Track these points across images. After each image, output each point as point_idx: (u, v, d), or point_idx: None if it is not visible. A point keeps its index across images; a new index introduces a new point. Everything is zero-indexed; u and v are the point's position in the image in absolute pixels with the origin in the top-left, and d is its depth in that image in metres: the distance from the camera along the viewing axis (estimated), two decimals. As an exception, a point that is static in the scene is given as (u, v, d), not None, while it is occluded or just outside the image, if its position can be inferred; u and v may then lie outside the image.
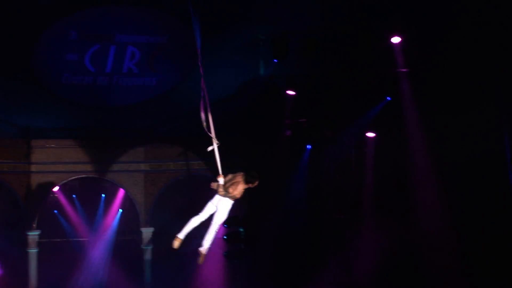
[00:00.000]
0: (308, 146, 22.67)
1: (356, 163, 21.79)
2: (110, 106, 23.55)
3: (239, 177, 13.92)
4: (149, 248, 27.56)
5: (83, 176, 27.08)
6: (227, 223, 24.38)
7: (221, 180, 13.74)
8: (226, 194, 13.76)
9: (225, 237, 24.83)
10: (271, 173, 22.94)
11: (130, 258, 27.87)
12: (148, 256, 27.56)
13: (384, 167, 20.57)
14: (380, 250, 20.41)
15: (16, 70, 21.72)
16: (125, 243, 28.24)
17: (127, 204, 28.00)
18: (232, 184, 13.82)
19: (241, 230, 24.86)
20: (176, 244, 14.17)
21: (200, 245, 14.10)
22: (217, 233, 23.08)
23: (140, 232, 27.54)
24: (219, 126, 23.28)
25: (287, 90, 20.75)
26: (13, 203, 26.53)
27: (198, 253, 14.19)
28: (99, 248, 28.06)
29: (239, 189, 13.78)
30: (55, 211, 28.14)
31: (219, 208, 13.96)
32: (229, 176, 13.96)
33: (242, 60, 22.01)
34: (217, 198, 13.96)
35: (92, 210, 28.39)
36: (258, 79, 22.27)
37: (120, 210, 28.31)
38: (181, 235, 14.19)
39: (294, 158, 22.75)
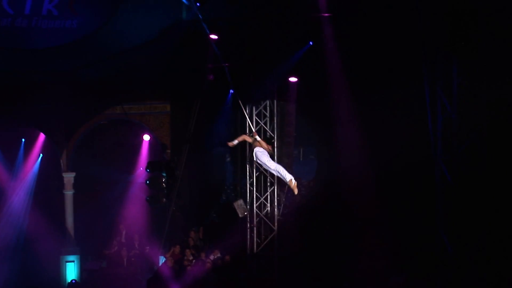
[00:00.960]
0: (231, 91, 22.70)
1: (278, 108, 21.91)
2: (30, 48, 23.09)
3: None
4: (71, 193, 27.36)
5: (2, 119, 26.66)
6: (149, 168, 24.43)
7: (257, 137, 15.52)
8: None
9: (147, 182, 24.83)
10: (196, 118, 22.99)
11: (52, 204, 27.69)
12: (69, 201, 27.38)
13: (305, 111, 20.75)
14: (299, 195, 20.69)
15: None
16: (46, 189, 27.97)
17: (48, 149, 27.67)
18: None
19: (164, 174, 24.87)
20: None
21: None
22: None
23: (62, 177, 27.31)
24: (140, 71, 23.29)
25: (210, 34, 20.65)
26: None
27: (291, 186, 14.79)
28: (19, 194, 27.75)
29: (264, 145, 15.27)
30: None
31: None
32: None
33: (164, 3, 21.80)
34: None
35: (12, 155, 28.01)
36: (180, 23, 22.09)
37: (41, 155, 27.96)
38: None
39: (217, 103, 22.77)
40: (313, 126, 20.83)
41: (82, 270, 27.05)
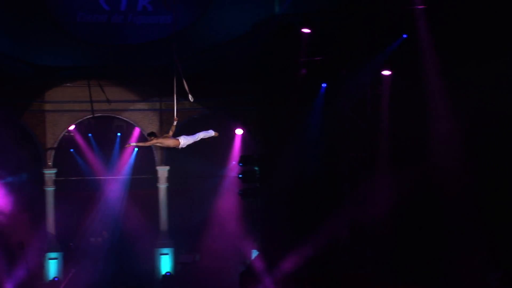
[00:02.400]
0: (324, 85, 22.58)
1: (371, 102, 21.69)
2: (125, 44, 23.48)
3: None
4: (165, 186, 27.70)
5: (99, 115, 27.14)
6: (242, 161, 24.53)
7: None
8: None
9: (240, 175, 24.95)
10: (287, 112, 22.94)
11: (146, 196, 28.07)
12: (163, 194, 27.72)
13: (400, 105, 20.48)
14: (395, 188, 20.45)
15: (32, 9, 21.64)
16: (141, 182, 28.37)
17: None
18: None
19: (256, 169, 24.95)
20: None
21: None
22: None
23: (156, 171, 27.65)
24: (234, 65, 23.40)
25: (303, 28, 20.59)
26: (30, 142, 26.65)
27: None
28: (115, 186, 28.23)
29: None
30: (71, 150, 28.25)
31: None
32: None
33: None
34: None
35: (108, 149, 28.51)
36: (273, 17, 22.11)
37: (136, 149, 28.39)
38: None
39: (310, 97, 22.68)
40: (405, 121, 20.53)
41: (176, 263, 27.33)
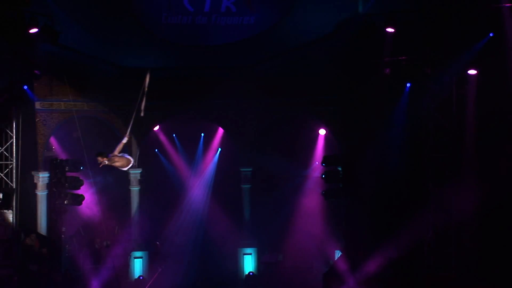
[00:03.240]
0: (408, 84, 22.40)
1: (457, 101, 21.42)
2: (209, 45, 23.68)
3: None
4: (248, 186, 27.84)
5: (182, 115, 27.41)
6: (325, 162, 24.51)
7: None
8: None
9: (323, 176, 24.91)
10: (371, 112, 22.84)
11: (229, 196, 28.24)
12: (246, 194, 27.85)
13: (486, 105, 20.18)
14: (481, 190, 20.16)
15: (117, 10, 21.98)
16: (224, 182, 28.56)
17: (227, 143, 28.23)
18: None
19: (339, 169, 24.89)
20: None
21: None
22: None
23: (239, 171, 27.81)
24: (316, 64, 23.41)
25: (386, 27, 20.44)
26: (115, 142, 27.06)
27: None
28: (199, 186, 28.49)
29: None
30: (156, 150, 28.62)
31: None
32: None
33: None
34: None
35: (192, 149, 28.78)
36: (357, 16, 22.02)
37: (219, 149, 28.61)
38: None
39: (394, 97, 22.53)
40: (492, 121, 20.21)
41: (260, 262, 27.43)
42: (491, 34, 19.69)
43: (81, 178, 24.65)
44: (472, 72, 20.63)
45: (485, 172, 20.18)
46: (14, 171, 22.92)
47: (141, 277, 26.48)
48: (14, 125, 22.92)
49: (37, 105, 25.10)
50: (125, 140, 14.84)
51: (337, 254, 24.83)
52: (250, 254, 27.48)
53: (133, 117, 15.26)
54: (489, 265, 19.56)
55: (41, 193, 25.24)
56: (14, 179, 22.89)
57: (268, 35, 23.13)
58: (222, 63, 25.58)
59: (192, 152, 28.91)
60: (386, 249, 22.28)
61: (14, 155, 22.89)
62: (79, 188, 24.56)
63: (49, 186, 25.02)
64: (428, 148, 22.25)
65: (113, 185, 27.44)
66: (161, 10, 21.99)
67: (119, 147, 14.92)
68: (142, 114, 14.95)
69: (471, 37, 20.03)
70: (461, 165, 21.26)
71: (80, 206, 25.15)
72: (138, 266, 26.95)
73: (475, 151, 20.67)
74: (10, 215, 22.65)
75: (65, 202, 24.37)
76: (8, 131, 22.91)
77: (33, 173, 25.04)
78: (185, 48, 24.01)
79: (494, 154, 19.81)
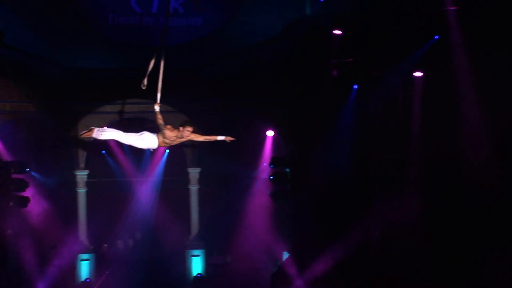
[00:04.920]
0: (355, 86, 22.55)
1: (403, 103, 21.64)
2: (156, 46, 23.57)
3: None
4: (196, 188, 27.80)
5: (130, 116, 27.26)
6: (273, 163, 24.55)
7: (157, 107, 13.37)
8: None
9: (271, 177, 24.95)
10: (318, 114, 22.93)
11: (177, 198, 28.15)
12: (194, 196, 27.80)
13: (431, 107, 20.41)
14: (427, 190, 20.39)
15: (64, 10, 21.80)
16: (172, 183, 28.46)
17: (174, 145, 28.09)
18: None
19: (287, 170, 24.95)
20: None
21: None
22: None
23: (187, 173, 27.75)
24: (265, 66, 23.41)
25: (334, 29, 20.57)
26: (61, 144, 26.83)
27: None
28: (146, 188, 28.35)
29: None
30: (103, 152, 28.41)
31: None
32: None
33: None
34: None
35: (139, 151, 28.58)
36: (304, 18, 22.12)
37: (167, 151, 28.49)
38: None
39: (341, 98, 22.66)
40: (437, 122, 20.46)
41: (207, 264, 27.40)
42: (436, 37, 19.93)
43: (26, 180, 24.36)
44: (417, 74, 20.86)
45: (430, 173, 20.42)
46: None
47: (88, 280, 26.28)
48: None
49: (-19, 106, 24.81)
50: (158, 108, 13.35)
51: (285, 255, 24.88)
52: (198, 255, 27.46)
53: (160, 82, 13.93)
54: (433, 264, 19.76)
55: (-14, 196, 24.90)
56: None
57: (216, 36, 23.12)
58: (170, 65, 25.46)
59: (140, 154, 28.72)
60: (334, 250, 22.40)
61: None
62: (24, 190, 24.26)
63: (-6, 188, 24.69)
64: (375, 150, 22.45)
65: (60, 187, 27.16)
66: (108, 10, 21.87)
67: (159, 117, 13.35)
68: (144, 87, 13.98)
69: (417, 39, 20.24)
70: (407, 166, 21.48)
71: (26, 208, 24.83)
72: (85, 269, 26.74)
73: (420, 152, 20.90)
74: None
75: (10, 204, 24.05)
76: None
77: (-23, 175, 24.70)
78: (133, 49, 23.89)
79: (438, 155, 20.04)
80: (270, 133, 26.88)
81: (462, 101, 19.31)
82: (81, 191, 27.16)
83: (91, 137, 13.39)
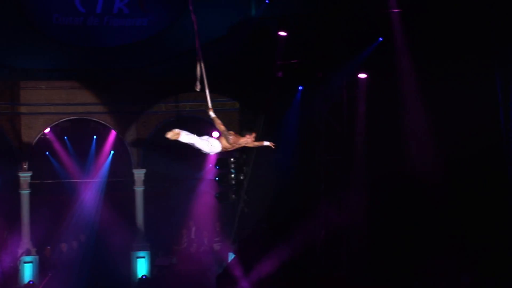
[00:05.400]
0: (300, 87, 22.66)
1: (348, 104, 21.79)
2: (101, 47, 23.43)
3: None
4: (141, 189, 27.68)
5: (75, 117, 27.06)
6: (218, 164, 24.54)
7: (212, 113, 13.36)
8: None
9: (216, 178, 24.95)
10: (264, 114, 22.98)
11: (122, 199, 28.01)
12: (139, 197, 27.69)
13: (376, 107, 20.59)
14: (371, 191, 20.57)
15: (6, 10, 21.53)
16: (117, 185, 28.30)
17: (119, 146, 27.98)
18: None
19: (233, 171, 24.96)
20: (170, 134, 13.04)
21: None
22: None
23: (132, 174, 27.63)
24: (210, 68, 23.30)
25: (279, 31, 20.63)
26: (4, 145, 26.52)
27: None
28: (91, 189, 28.14)
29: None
30: (47, 153, 28.12)
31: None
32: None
33: (233, 0, 21.88)
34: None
35: (84, 152, 28.39)
36: (249, 20, 22.14)
37: (112, 152, 28.32)
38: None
39: (287, 99, 22.75)
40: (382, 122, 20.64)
41: (153, 266, 27.31)
42: (380, 39, 20.10)
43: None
44: (362, 75, 21.03)
45: (374, 174, 20.59)
46: None
47: (31, 282, 25.97)
48: None
49: None
50: (213, 114, 13.33)
51: (231, 256, 24.89)
52: (143, 257, 27.33)
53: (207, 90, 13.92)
54: (378, 265, 19.93)
55: None
56: None
57: (161, 37, 23.02)
58: (115, 65, 25.34)
59: (85, 155, 28.50)
60: (279, 251, 22.47)
61: None
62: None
63: None
64: (320, 150, 22.57)
65: (2, 188, 26.83)
66: (52, 10, 21.65)
67: (218, 122, 13.33)
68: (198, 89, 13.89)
69: (361, 41, 20.38)
70: (351, 167, 21.63)
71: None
72: (28, 271, 26.41)
73: (365, 153, 21.07)
74: None
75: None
76: None
77: None
78: (78, 49, 23.68)
79: (382, 156, 20.21)
80: (215, 134, 26.82)
81: (405, 102, 19.49)
82: (25, 192, 26.84)
83: (177, 140, 13.25)
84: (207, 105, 13.37)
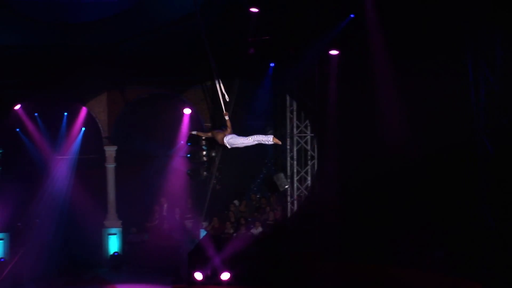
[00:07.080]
0: (272, 64, 22.61)
1: (319, 81, 21.79)
2: (71, 23, 23.17)
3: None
4: (112, 166, 27.59)
5: (45, 94, 26.85)
6: (189, 141, 24.49)
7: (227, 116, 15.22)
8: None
9: (188, 155, 24.91)
10: (235, 91, 22.93)
11: (94, 177, 27.91)
12: (111, 174, 27.60)
13: (347, 84, 20.61)
14: (343, 167, 20.64)
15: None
16: (88, 162, 28.18)
17: (90, 122, 27.81)
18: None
19: (204, 148, 24.92)
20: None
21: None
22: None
23: (103, 151, 27.50)
24: (182, 44, 23.21)
25: (250, 7, 20.53)
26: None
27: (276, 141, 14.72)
28: (62, 166, 28.00)
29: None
30: (17, 130, 27.91)
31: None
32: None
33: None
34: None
35: (55, 129, 28.22)
36: (221, -4, 22.01)
37: (83, 129, 28.15)
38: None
39: (258, 76, 22.70)
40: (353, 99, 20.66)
41: (124, 242, 27.31)
42: (352, 16, 20.06)
43: None
44: (333, 52, 21.02)
45: (346, 150, 20.64)
46: None
47: (2, 259, 25.86)
48: None
49: None
50: (226, 117, 15.15)
51: (202, 233, 24.90)
52: (115, 234, 27.30)
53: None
54: (350, 240, 20.02)
55: None
56: None
57: (131, 13, 22.81)
58: (85, 42, 25.11)
59: (55, 132, 28.32)
60: (251, 227, 22.52)
61: None
62: None
63: None
64: (292, 128, 22.59)
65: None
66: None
67: (228, 125, 15.14)
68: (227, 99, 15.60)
69: (333, 18, 20.33)
70: (323, 144, 21.67)
71: None
72: (-1, 248, 26.39)
73: (337, 130, 21.11)
74: None
75: None
76: None
77: None
78: (46, 25, 23.42)
79: (354, 132, 20.26)
80: (187, 110, 26.79)
81: (377, 79, 19.52)
82: (-6, 169, 26.74)
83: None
84: (223, 110, 15.32)
